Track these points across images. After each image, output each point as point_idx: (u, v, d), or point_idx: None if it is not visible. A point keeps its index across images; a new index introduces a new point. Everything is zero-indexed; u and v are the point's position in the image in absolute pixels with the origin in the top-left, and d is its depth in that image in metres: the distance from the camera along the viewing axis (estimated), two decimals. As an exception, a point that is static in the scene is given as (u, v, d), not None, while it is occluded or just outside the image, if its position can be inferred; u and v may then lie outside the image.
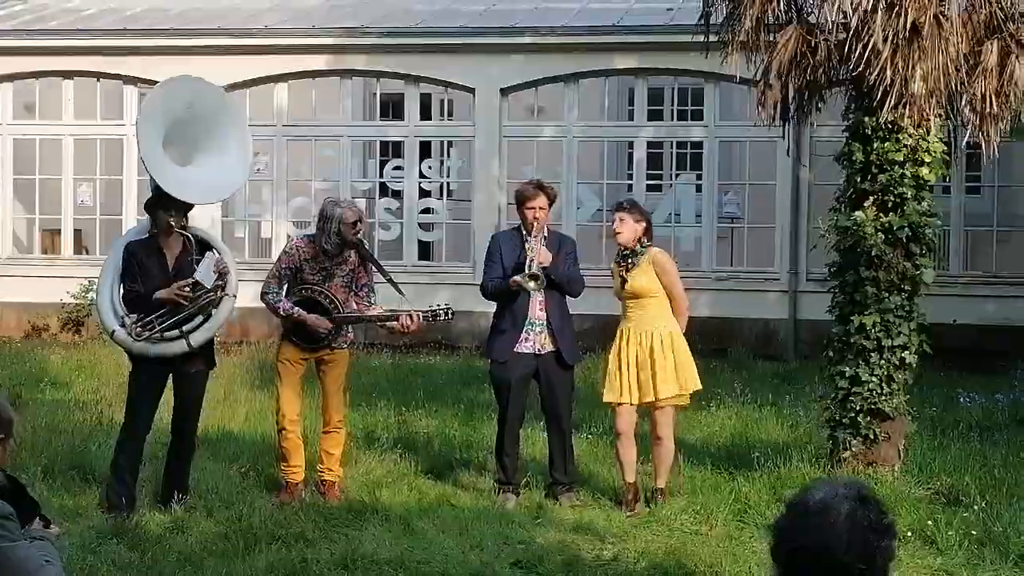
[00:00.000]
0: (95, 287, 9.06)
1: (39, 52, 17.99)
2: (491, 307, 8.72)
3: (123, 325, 7.74)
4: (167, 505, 7.78)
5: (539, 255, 8.09)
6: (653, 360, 8.04)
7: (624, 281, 8.13)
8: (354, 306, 8.27)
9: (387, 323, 8.28)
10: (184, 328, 7.67)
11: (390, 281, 8.37)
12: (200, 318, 7.73)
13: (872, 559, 2.84)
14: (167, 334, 7.66)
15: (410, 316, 8.09)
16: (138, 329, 7.67)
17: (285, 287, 8.30)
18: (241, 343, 15.68)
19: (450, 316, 8.22)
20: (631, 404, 8.15)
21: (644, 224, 8.18)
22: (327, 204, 8.29)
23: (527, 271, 8.03)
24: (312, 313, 8.11)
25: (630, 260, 8.14)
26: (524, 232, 8.29)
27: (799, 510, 2.92)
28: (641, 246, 8.16)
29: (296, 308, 8.13)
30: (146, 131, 7.77)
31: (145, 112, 7.97)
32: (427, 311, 8.16)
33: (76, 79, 18.13)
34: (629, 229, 8.13)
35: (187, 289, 7.63)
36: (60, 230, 18.29)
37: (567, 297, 8.40)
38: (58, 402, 11.36)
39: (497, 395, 8.49)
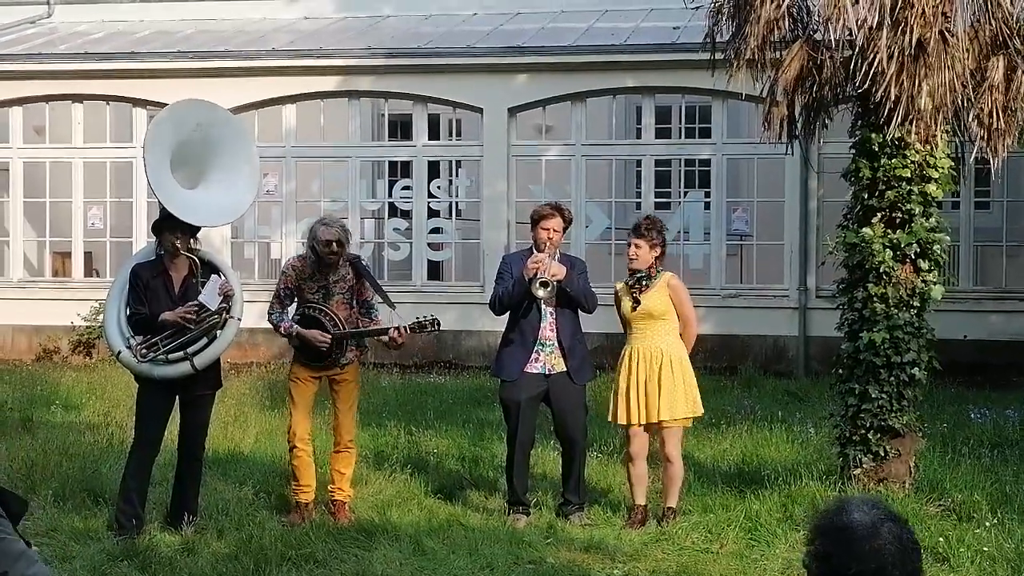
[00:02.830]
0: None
1: (49, 76, 18.08)
2: (500, 325, 8.71)
3: (129, 347, 7.77)
4: (177, 526, 7.79)
5: (550, 268, 8.09)
6: (660, 381, 8.06)
7: (636, 302, 8.14)
8: (358, 323, 8.30)
9: (379, 337, 8.28)
10: (188, 350, 7.69)
11: (381, 294, 8.38)
12: (204, 340, 7.75)
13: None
14: (172, 356, 7.68)
15: (398, 329, 8.10)
16: (143, 350, 7.69)
17: (291, 307, 8.33)
18: (250, 364, 15.71)
19: (436, 328, 8.22)
20: (641, 425, 8.17)
21: (660, 249, 8.22)
22: (314, 223, 8.37)
23: (538, 278, 8.03)
24: (312, 330, 8.15)
25: (644, 282, 8.17)
26: (536, 252, 8.28)
27: (845, 535, 2.86)
28: (655, 270, 8.19)
29: (295, 326, 8.19)
30: (153, 154, 7.81)
31: (152, 135, 8.00)
32: (414, 323, 8.17)
33: (86, 102, 18.22)
34: (645, 255, 8.16)
35: (192, 312, 7.66)
36: (71, 253, 18.36)
37: (580, 315, 8.39)
38: (69, 424, 11.39)
39: (506, 415, 8.46)
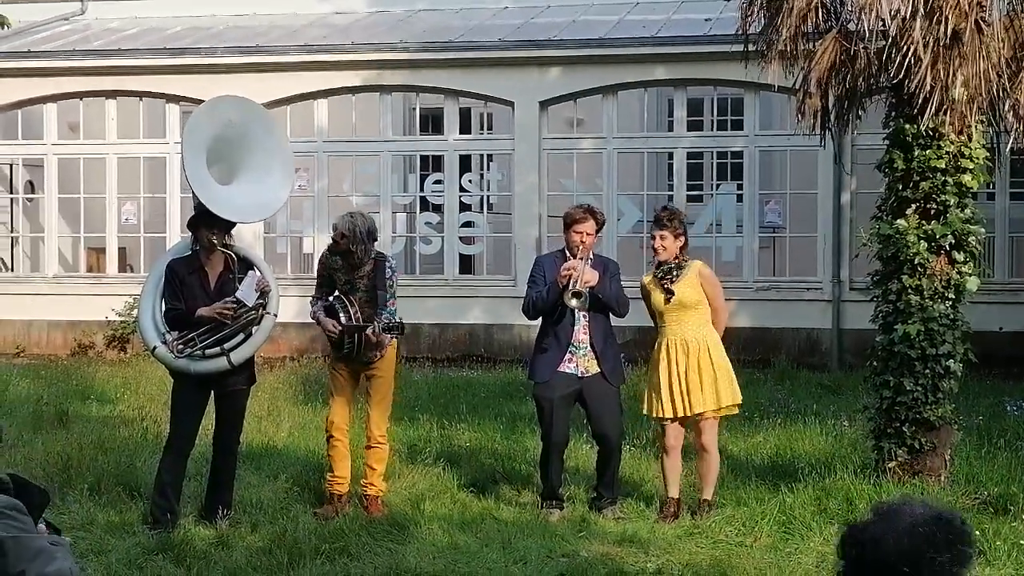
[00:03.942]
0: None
1: (82, 72, 18.19)
2: (532, 320, 8.70)
3: (165, 342, 7.80)
4: (212, 520, 7.83)
5: (583, 274, 8.05)
6: (701, 371, 8.04)
7: (670, 293, 8.11)
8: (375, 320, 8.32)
9: (362, 333, 8.23)
10: (225, 346, 7.73)
11: (381, 296, 8.33)
12: (241, 336, 7.79)
13: (918, 565, 2.90)
14: (208, 351, 7.72)
15: (374, 329, 8.10)
16: (179, 346, 7.73)
17: (327, 294, 8.42)
18: (283, 358, 15.76)
19: (400, 331, 8.13)
20: (678, 419, 8.15)
21: (683, 238, 8.22)
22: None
23: (571, 288, 8.00)
24: (327, 319, 8.21)
25: (674, 273, 8.14)
26: (569, 255, 8.25)
27: (873, 512, 3.04)
28: (683, 260, 8.17)
29: (320, 312, 8.29)
30: (190, 150, 7.85)
31: (189, 131, 8.04)
32: (384, 324, 8.10)
33: (119, 99, 18.33)
34: (671, 245, 8.15)
35: (230, 308, 7.69)
36: (105, 248, 18.47)
37: (611, 318, 8.36)
38: (104, 419, 11.47)
39: (539, 415, 8.43)
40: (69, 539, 3.80)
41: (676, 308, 8.13)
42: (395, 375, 8.63)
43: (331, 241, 8.35)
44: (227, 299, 7.73)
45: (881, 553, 2.92)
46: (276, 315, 7.96)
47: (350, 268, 8.28)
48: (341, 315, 8.16)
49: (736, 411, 8.45)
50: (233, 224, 7.93)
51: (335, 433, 8.35)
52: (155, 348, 7.88)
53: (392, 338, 8.28)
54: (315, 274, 8.56)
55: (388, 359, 8.42)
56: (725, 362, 8.17)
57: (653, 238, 8.26)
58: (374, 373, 8.37)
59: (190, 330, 7.73)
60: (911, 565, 2.90)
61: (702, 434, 8.18)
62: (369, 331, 8.08)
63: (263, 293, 7.84)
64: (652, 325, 8.45)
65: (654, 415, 8.33)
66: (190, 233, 8.00)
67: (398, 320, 8.19)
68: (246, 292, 7.76)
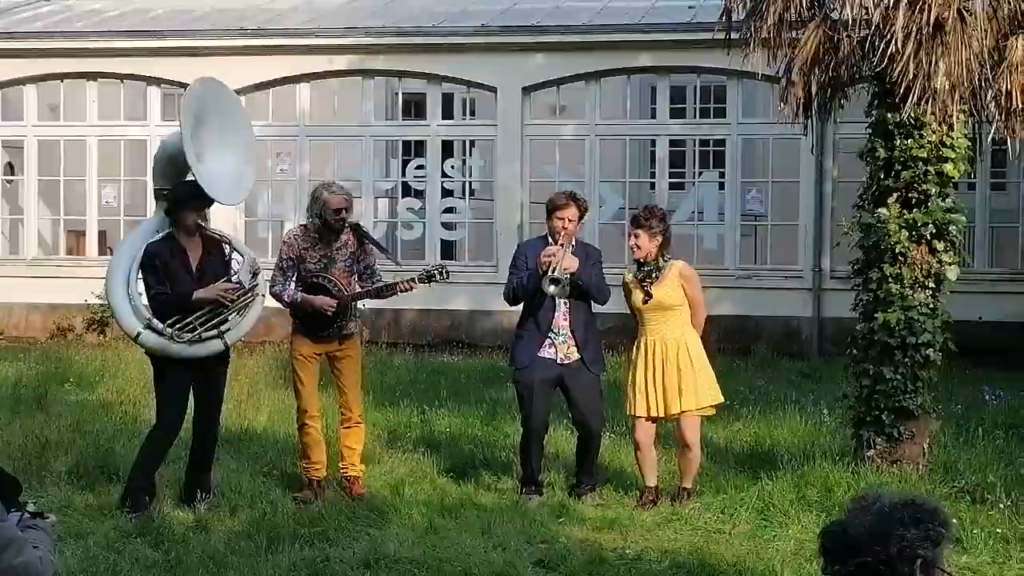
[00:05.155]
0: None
1: (63, 54, 18.10)
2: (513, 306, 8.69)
3: (149, 327, 7.72)
4: (190, 504, 7.80)
5: (564, 261, 8.04)
6: (680, 371, 8.01)
7: (648, 295, 8.07)
8: (358, 288, 8.29)
9: (387, 294, 8.30)
10: (221, 328, 7.72)
11: (384, 252, 8.43)
12: (236, 317, 7.79)
13: (886, 542, 2.92)
14: (205, 334, 7.69)
15: (408, 282, 8.14)
16: (177, 332, 7.66)
17: (292, 278, 8.31)
18: (264, 343, 15.72)
19: (445, 275, 8.23)
20: (649, 418, 8.13)
21: (661, 238, 8.10)
22: (318, 188, 8.35)
23: (550, 275, 7.98)
24: (318, 296, 8.17)
25: (653, 274, 8.10)
26: (551, 241, 8.24)
27: (852, 503, 3.09)
28: (663, 259, 8.13)
29: (300, 293, 8.20)
30: (189, 134, 7.80)
31: (187, 120, 7.95)
32: (422, 273, 8.20)
33: (100, 80, 18.23)
34: (645, 244, 8.08)
35: (233, 291, 7.70)
36: (85, 231, 18.40)
37: (592, 304, 8.35)
38: (83, 402, 11.42)
39: (520, 400, 8.43)
40: (54, 517, 3.76)
41: (655, 308, 8.10)
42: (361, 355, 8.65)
43: (336, 219, 8.10)
44: (228, 281, 7.75)
45: (851, 537, 2.94)
46: (265, 296, 7.96)
47: (326, 244, 8.23)
48: (332, 291, 8.15)
49: (712, 412, 8.40)
50: (209, 205, 7.90)
51: (308, 420, 8.31)
52: (139, 334, 7.77)
53: (434, 282, 8.35)
54: (281, 255, 8.31)
55: (355, 339, 8.46)
56: (704, 363, 8.14)
57: (629, 237, 8.22)
58: (346, 353, 8.35)
59: (184, 314, 7.67)
60: (880, 543, 2.92)
61: (685, 431, 8.13)
62: (404, 287, 8.15)
63: (254, 274, 7.84)
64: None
65: (629, 412, 8.29)
66: (168, 216, 7.92)
67: (439, 264, 8.28)
68: (243, 274, 7.78)
